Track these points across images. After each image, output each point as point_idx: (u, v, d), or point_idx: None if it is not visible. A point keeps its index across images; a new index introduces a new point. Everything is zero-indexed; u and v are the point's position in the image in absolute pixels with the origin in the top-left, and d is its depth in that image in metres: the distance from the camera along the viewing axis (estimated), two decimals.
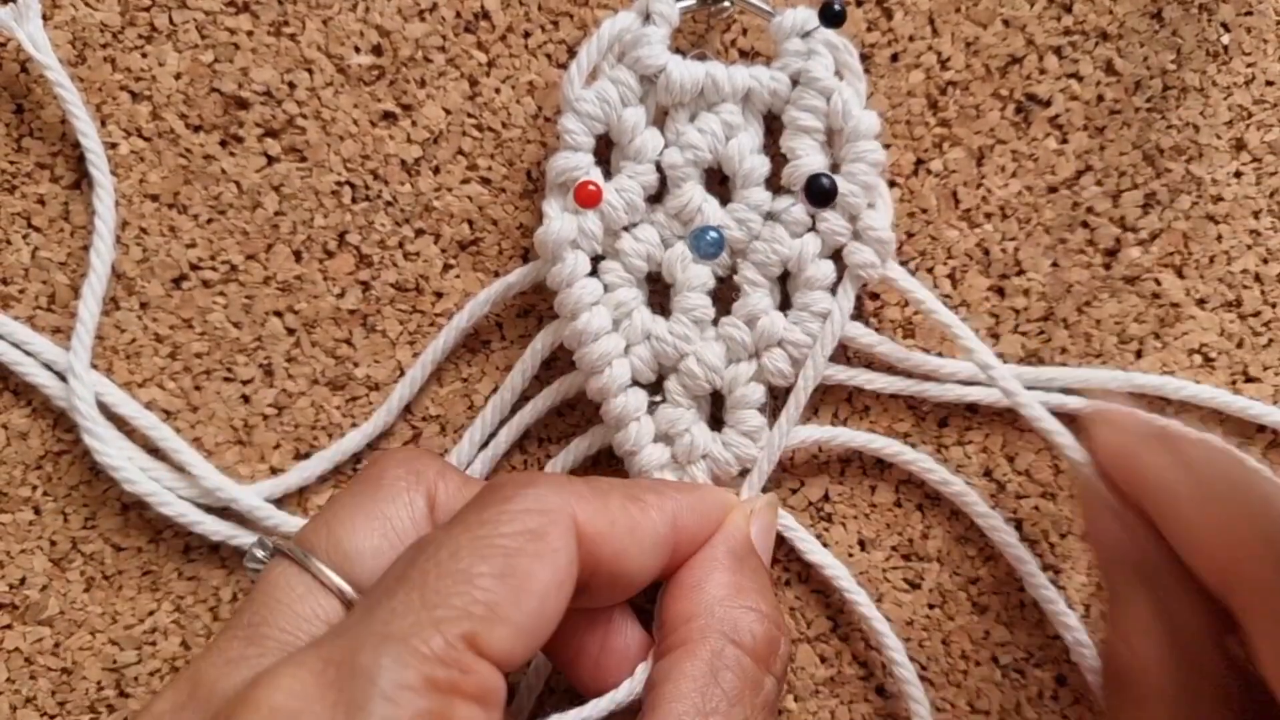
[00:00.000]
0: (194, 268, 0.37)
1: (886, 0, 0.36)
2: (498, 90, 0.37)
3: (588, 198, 0.34)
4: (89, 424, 0.35)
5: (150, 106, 0.37)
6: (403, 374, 0.37)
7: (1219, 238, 0.36)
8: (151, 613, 0.37)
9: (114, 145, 0.37)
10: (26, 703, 0.36)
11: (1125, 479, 0.30)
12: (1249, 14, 0.36)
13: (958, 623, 0.36)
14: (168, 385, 0.37)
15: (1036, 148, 0.36)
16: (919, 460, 0.35)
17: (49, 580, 0.37)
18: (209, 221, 0.37)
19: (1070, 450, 0.33)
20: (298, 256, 0.37)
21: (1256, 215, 0.36)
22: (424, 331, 0.37)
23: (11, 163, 0.37)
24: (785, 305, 0.35)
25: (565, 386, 0.36)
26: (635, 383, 0.34)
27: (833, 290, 0.34)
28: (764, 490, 0.35)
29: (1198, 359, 0.36)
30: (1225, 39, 0.36)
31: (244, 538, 0.36)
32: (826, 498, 0.36)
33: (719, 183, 0.36)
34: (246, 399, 0.37)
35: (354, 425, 0.37)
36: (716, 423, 0.35)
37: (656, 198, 0.35)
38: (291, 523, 0.36)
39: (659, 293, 0.36)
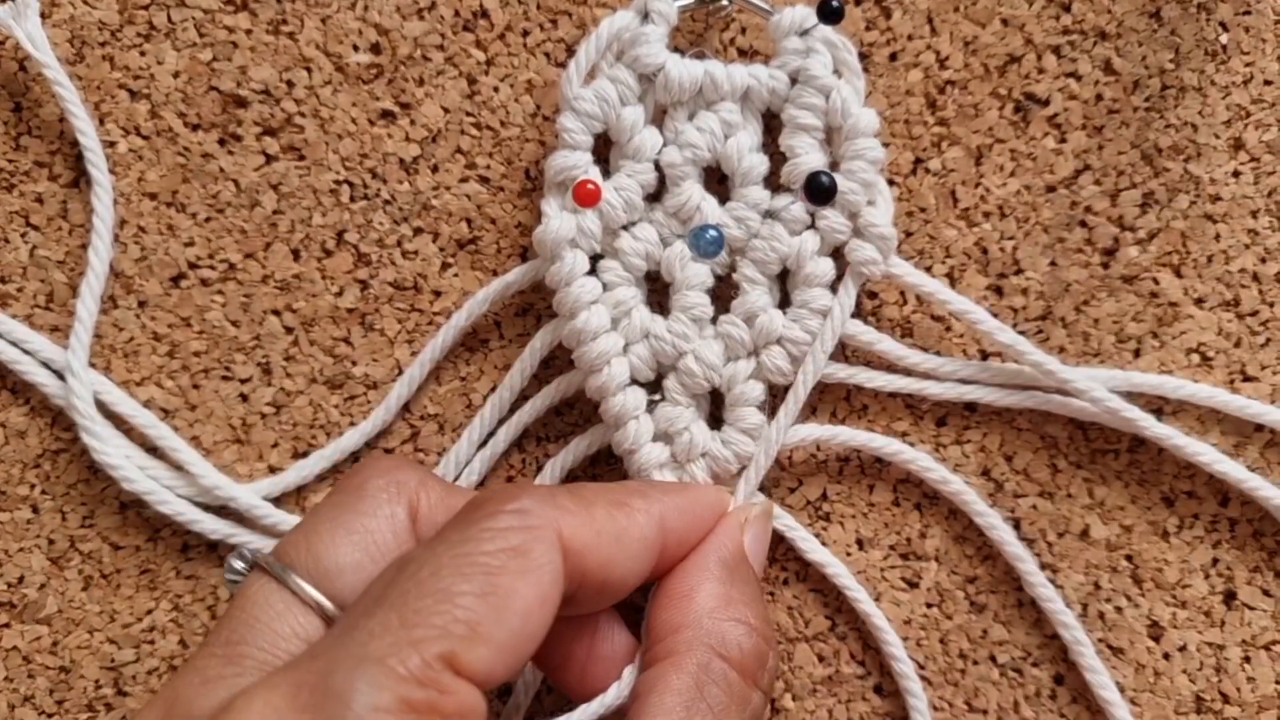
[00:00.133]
0: (192, 266, 0.37)
1: None
2: (496, 89, 0.37)
3: (586, 196, 0.34)
4: (87, 422, 0.35)
5: (149, 105, 0.37)
6: (401, 373, 0.37)
7: (1217, 237, 0.36)
8: (150, 611, 0.37)
9: (112, 144, 0.37)
10: (25, 701, 0.36)
11: None
12: (1247, 13, 0.36)
13: (955, 621, 0.36)
14: (166, 384, 0.37)
15: (1035, 147, 0.36)
16: (917, 459, 0.35)
17: (47, 579, 0.37)
18: (207, 220, 0.37)
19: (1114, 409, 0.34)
20: (296, 255, 0.37)
21: (1254, 215, 0.36)
22: (422, 330, 0.37)
23: (10, 161, 0.37)
24: (785, 304, 0.35)
25: (564, 385, 0.36)
26: (634, 381, 0.34)
27: (832, 288, 0.34)
28: (761, 489, 0.35)
29: (1195, 358, 0.36)
30: (1223, 38, 0.36)
31: (242, 536, 0.36)
32: (825, 497, 0.36)
33: (718, 181, 0.36)
34: (245, 397, 0.37)
35: (352, 424, 0.37)
36: (716, 421, 0.35)
37: (655, 196, 0.35)
38: (289, 521, 0.36)
39: (658, 291, 0.36)
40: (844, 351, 0.36)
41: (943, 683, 0.36)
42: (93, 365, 0.36)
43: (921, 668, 0.36)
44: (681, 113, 0.35)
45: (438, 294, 0.37)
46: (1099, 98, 0.36)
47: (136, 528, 0.37)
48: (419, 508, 0.29)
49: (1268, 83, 0.36)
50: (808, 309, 0.34)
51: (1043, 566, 0.35)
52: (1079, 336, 0.36)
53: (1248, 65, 0.36)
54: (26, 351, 0.36)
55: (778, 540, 0.36)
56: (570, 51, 0.37)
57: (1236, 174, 0.36)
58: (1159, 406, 0.36)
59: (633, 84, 0.34)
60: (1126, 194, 0.36)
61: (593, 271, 0.34)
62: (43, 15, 0.36)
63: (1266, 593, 0.35)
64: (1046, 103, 0.36)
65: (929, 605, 0.36)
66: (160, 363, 0.37)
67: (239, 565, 0.29)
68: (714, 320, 0.35)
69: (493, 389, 0.37)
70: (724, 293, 0.35)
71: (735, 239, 0.34)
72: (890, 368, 0.36)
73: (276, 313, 0.37)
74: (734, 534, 0.32)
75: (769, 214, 0.34)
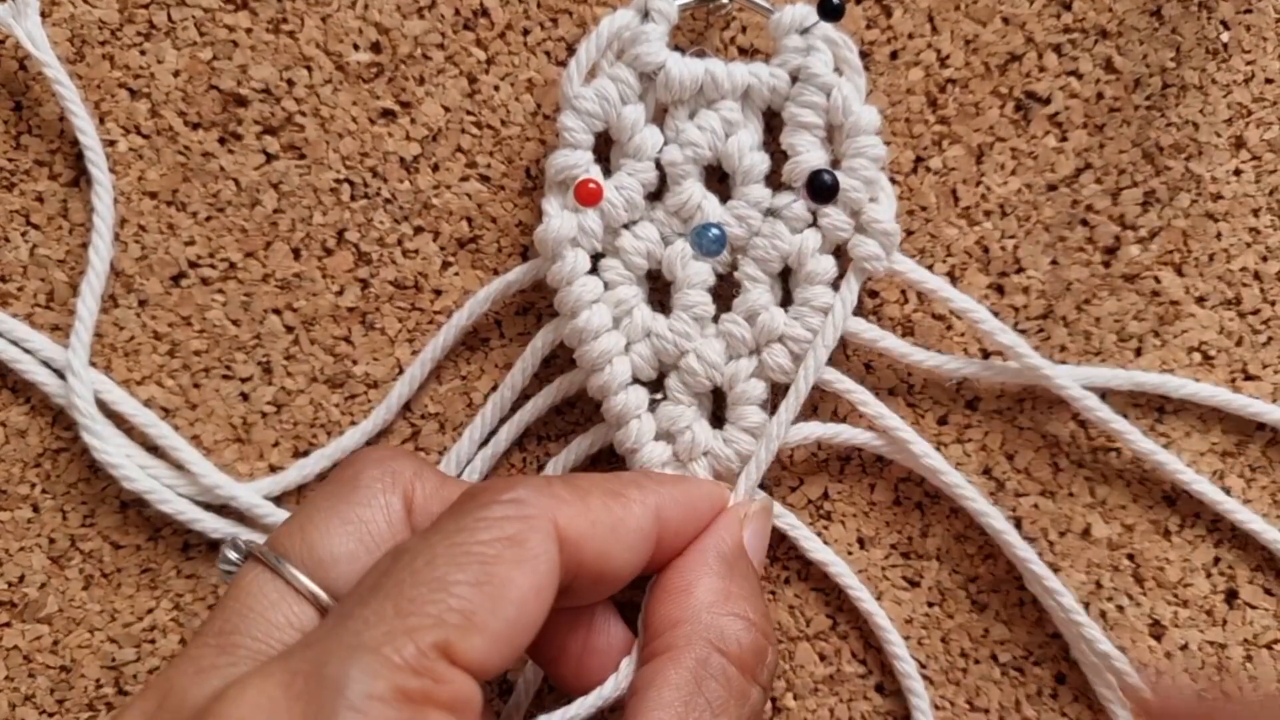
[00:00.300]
0: (193, 265, 0.37)
1: None
2: (497, 88, 0.37)
3: (588, 196, 0.34)
4: (88, 421, 0.35)
5: (149, 104, 0.37)
6: (402, 372, 0.37)
7: (1218, 235, 0.36)
8: (150, 610, 0.37)
9: (112, 143, 0.37)
10: (25, 700, 0.36)
11: None
12: (1248, 11, 0.36)
13: (957, 620, 0.36)
14: (166, 383, 0.37)
15: (1036, 145, 0.36)
16: (921, 454, 0.34)
17: (48, 578, 0.37)
18: (208, 219, 0.37)
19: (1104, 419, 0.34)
20: (296, 254, 0.37)
21: (1256, 213, 0.36)
22: (423, 329, 0.37)
23: (10, 160, 0.37)
24: (787, 302, 0.35)
25: (565, 384, 0.36)
26: (636, 380, 0.34)
27: (834, 286, 0.34)
28: (762, 487, 0.35)
29: (1197, 357, 0.36)
30: (1225, 37, 0.36)
31: (243, 536, 0.36)
32: (826, 496, 0.36)
33: (719, 180, 0.36)
34: (245, 396, 0.37)
35: (353, 423, 0.37)
36: (718, 420, 0.35)
37: (656, 195, 0.35)
38: None
39: (659, 290, 0.36)
40: (845, 350, 0.36)
41: (944, 682, 0.36)
42: (93, 364, 0.36)
43: (923, 667, 0.36)
44: (682, 111, 0.35)
45: (438, 293, 0.37)
46: (1100, 96, 0.36)
47: (137, 527, 0.37)
48: (414, 498, 0.29)
49: (1269, 81, 0.36)
50: (809, 307, 0.34)
51: None
52: (1080, 335, 0.36)
53: (1249, 64, 0.36)
54: (27, 350, 0.36)
55: (779, 539, 0.36)
56: (571, 50, 0.37)
57: (1238, 172, 0.36)
58: (1160, 405, 0.36)
59: (633, 83, 0.34)
60: (1128, 193, 0.36)
61: (594, 270, 0.34)
62: (43, 14, 0.36)
63: (1268, 591, 0.35)
64: (1047, 101, 0.36)
65: (930, 604, 0.36)
66: (161, 362, 0.37)
67: (233, 555, 0.29)
68: (715, 319, 0.35)
69: (494, 388, 0.37)
70: (725, 291, 0.35)
71: (736, 237, 0.34)
72: (891, 366, 0.36)
73: (277, 312, 0.37)
74: (733, 529, 0.32)
75: (770, 212, 0.34)
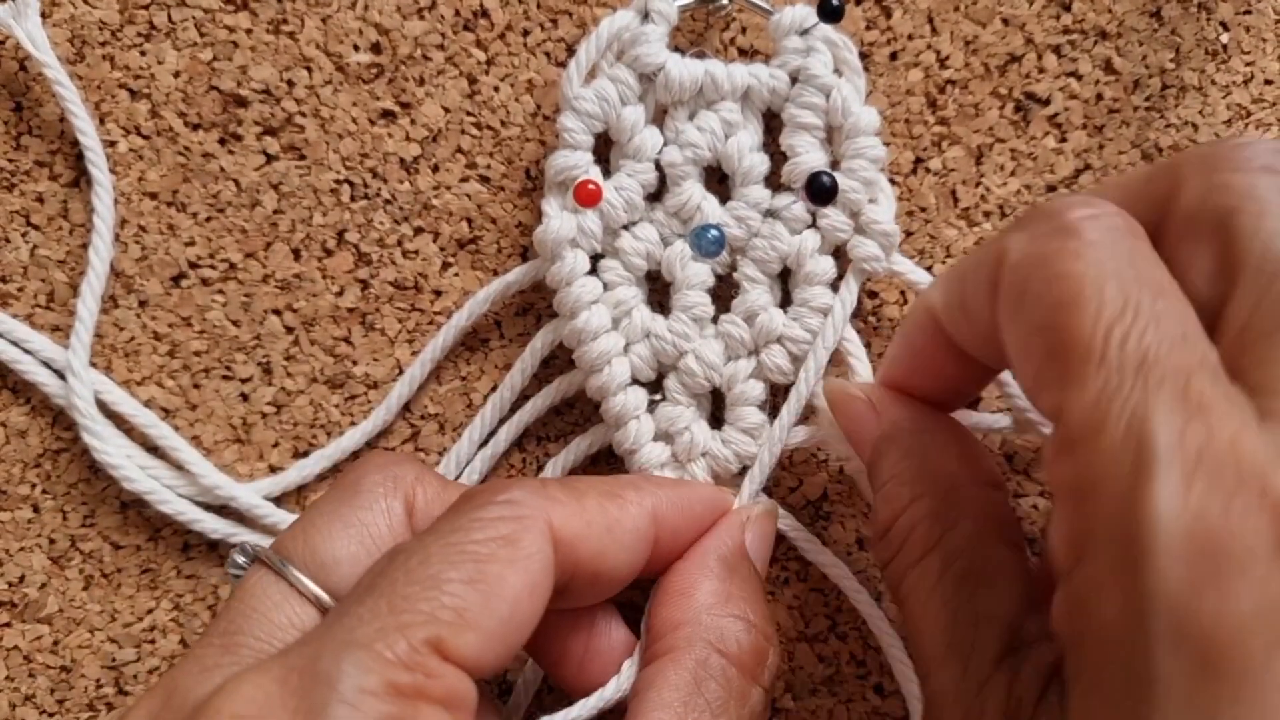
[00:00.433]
0: (193, 266, 0.37)
1: None
2: (496, 88, 0.37)
3: (587, 197, 0.34)
4: (88, 422, 0.35)
5: (149, 104, 0.37)
6: (401, 372, 0.37)
7: None
8: (150, 611, 0.37)
9: (113, 143, 0.37)
10: (26, 700, 0.36)
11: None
12: (1248, 13, 0.36)
13: None
14: (166, 383, 0.37)
15: (1035, 146, 0.36)
16: None
17: (48, 578, 0.37)
18: (208, 220, 0.37)
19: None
20: (296, 255, 0.37)
21: None
22: (423, 330, 0.37)
23: (10, 161, 0.37)
24: (786, 303, 0.35)
25: (565, 385, 0.36)
26: (635, 381, 0.34)
27: (833, 287, 0.34)
28: (765, 490, 0.35)
29: None
30: (1224, 38, 0.36)
31: (243, 535, 0.36)
32: (825, 497, 0.36)
33: (718, 181, 0.36)
34: (245, 397, 0.37)
35: (353, 423, 0.37)
36: (717, 421, 0.35)
37: (655, 196, 0.35)
38: (290, 520, 0.36)
39: (658, 291, 0.36)
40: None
41: None
42: (93, 365, 0.36)
43: None
44: (682, 112, 0.35)
45: (438, 293, 0.37)
46: (1099, 97, 0.36)
47: (137, 527, 0.37)
48: (415, 502, 0.30)
49: (1268, 82, 0.36)
50: (808, 307, 0.34)
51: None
52: None
53: (1248, 65, 0.36)
54: (27, 351, 0.36)
55: (778, 540, 0.36)
56: (570, 51, 0.37)
57: None
58: None
59: (633, 83, 0.34)
60: None
61: (593, 271, 0.34)
62: (43, 15, 0.36)
63: None
64: (1047, 102, 0.36)
65: None
66: (161, 362, 0.37)
67: (240, 560, 0.29)
68: (714, 320, 0.35)
69: (493, 388, 0.37)
70: (724, 292, 0.35)
71: (736, 238, 0.34)
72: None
73: (277, 312, 0.37)
74: (735, 532, 0.32)
75: (769, 213, 0.34)
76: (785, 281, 0.35)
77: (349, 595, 0.26)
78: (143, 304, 0.37)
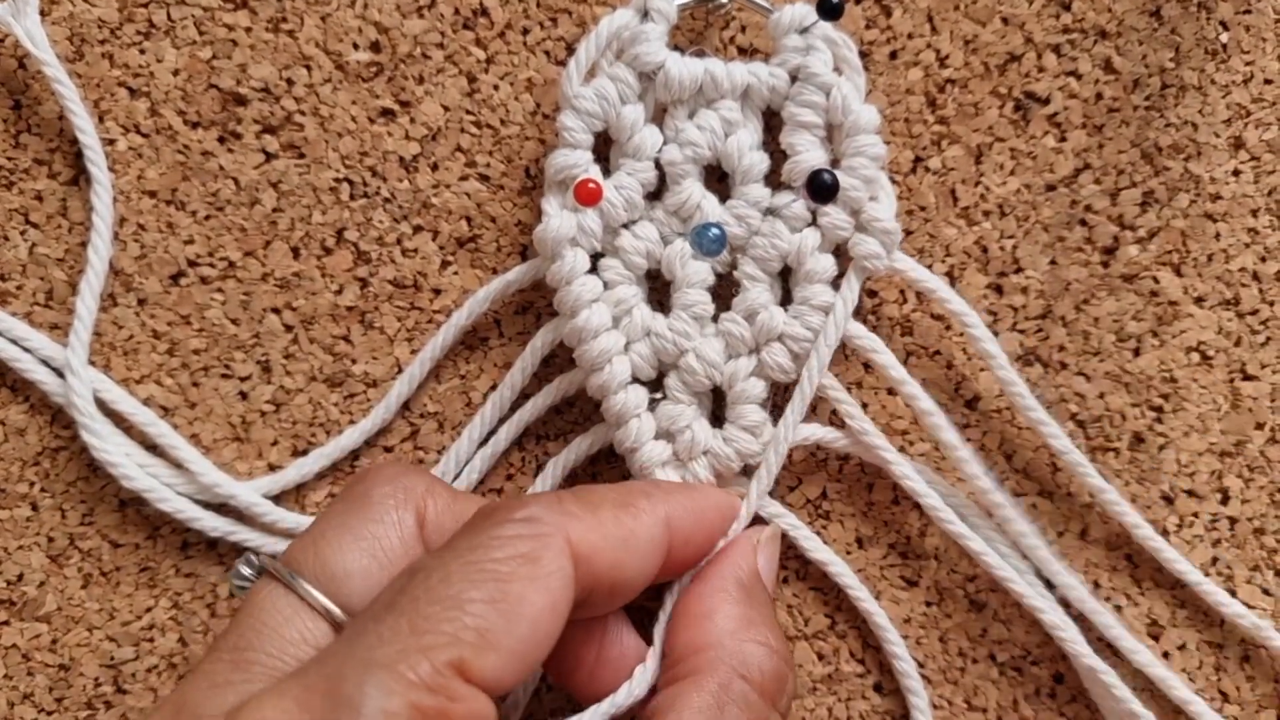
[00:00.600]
0: (192, 264, 0.37)
1: None
2: (496, 87, 0.37)
3: (588, 196, 0.34)
4: (87, 420, 0.35)
5: (148, 103, 0.37)
6: (401, 371, 0.37)
7: (1217, 236, 0.36)
8: (149, 609, 0.37)
9: (112, 141, 0.37)
10: (24, 699, 0.36)
11: None
12: (1247, 12, 0.36)
13: (955, 620, 0.36)
14: (165, 381, 0.37)
15: (1035, 146, 0.36)
16: (906, 476, 0.34)
17: (46, 576, 0.37)
18: (207, 218, 0.37)
19: (1065, 450, 0.34)
20: (296, 253, 0.37)
21: (1254, 214, 0.36)
22: (422, 328, 0.37)
23: (9, 159, 0.37)
24: (787, 301, 0.35)
25: (565, 384, 0.36)
26: (635, 379, 0.34)
27: (834, 285, 0.34)
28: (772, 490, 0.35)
29: (1195, 357, 0.36)
30: (1224, 37, 0.36)
31: (242, 534, 0.36)
32: (824, 495, 0.36)
33: (718, 179, 0.36)
34: (244, 395, 0.37)
35: (352, 422, 0.37)
36: (719, 420, 0.35)
37: (655, 195, 0.35)
38: (289, 519, 0.36)
39: (658, 290, 0.36)
40: (844, 350, 0.36)
41: (942, 681, 0.36)
42: (92, 363, 0.36)
43: (921, 666, 0.36)
44: (682, 111, 0.35)
45: (437, 292, 0.37)
46: (1099, 96, 0.36)
47: (136, 525, 0.37)
48: (426, 514, 0.29)
49: (1268, 81, 0.36)
50: (809, 305, 0.34)
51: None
52: (1079, 335, 0.36)
53: (1248, 64, 0.36)
54: (26, 349, 0.36)
55: None
56: (570, 50, 0.37)
57: (1236, 173, 0.36)
58: (1159, 405, 0.36)
59: (633, 82, 0.34)
60: (1126, 193, 0.36)
61: (593, 270, 0.34)
62: (42, 13, 0.36)
63: (1266, 591, 0.35)
64: (1046, 101, 0.36)
65: (928, 604, 0.36)
66: (160, 360, 0.37)
67: (246, 571, 0.29)
68: (715, 318, 0.35)
69: (493, 387, 0.37)
70: (725, 291, 0.35)
71: (736, 237, 0.34)
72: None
73: (276, 310, 0.37)
74: (748, 555, 0.32)
75: (770, 211, 0.34)
76: (786, 280, 0.35)
77: (366, 612, 0.26)
78: (142, 302, 0.37)
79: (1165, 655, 0.35)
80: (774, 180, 0.35)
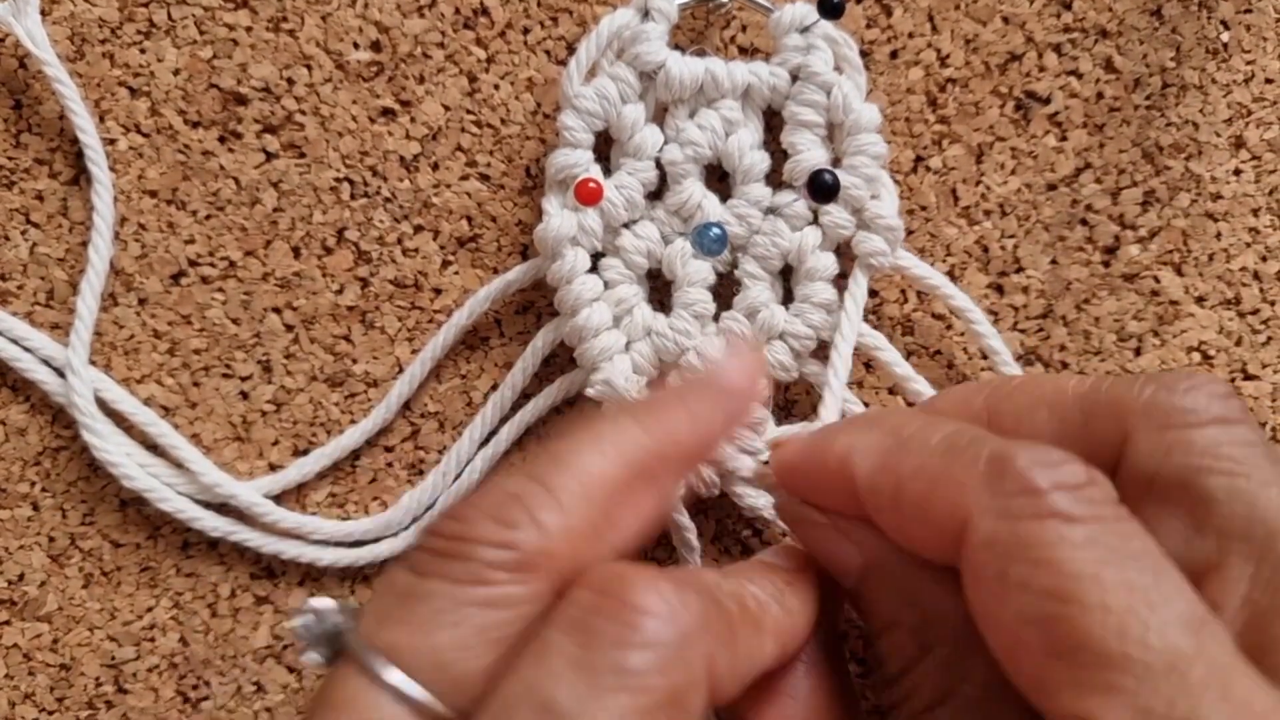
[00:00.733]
0: (192, 264, 0.37)
1: None
2: (497, 86, 0.37)
3: (588, 195, 0.34)
4: (87, 420, 0.35)
5: (149, 102, 0.37)
6: (402, 371, 0.37)
7: (1218, 235, 0.36)
8: (150, 609, 0.37)
9: (112, 141, 0.37)
10: (25, 699, 0.36)
11: (810, 483, 0.27)
12: (1248, 11, 0.36)
13: None
14: (166, 381, 0.37)
15: (1036, 145, 0.36)
16: None
17: (47, 576, 0.37)
18: (207, 218, 0.37)
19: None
20: (296, 253, 0.37)
21: (1255, 213, 0.36)
22: (423, 328, 0.37)
23: (10, 158, 0.37)
24: (789, 300, 0.35)
25: (566, 384, 0.36)
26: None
27: (835, 284, 0.34)
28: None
29: (1196, 356, 0.36)
30: (1225, 36, 0.36)
31: (242, 534, 0.36)
32: None
33: (719, 179, 0.36)
34: (245, 395, 0.37)
35: (353, 422, 0.37)
36: None
37: (656, 194, 0.35)
38: (289, 519, 0.36)
39: (659, 289, 0.36)
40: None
41: None
42: (93, 363, 0.36)
43: None
44: (682, 110, 0.35)
45: (438, 292, 0.37)
46: (1100, 96, 0.36)
47: (137, 525, 0.37)
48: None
49: (1269, 81, 0.36)
50: (810, 304, 0.34)
51: None
52: (1080, 335, 0.36)
53: (1249, 63, 0.36)
54: (27, 349, 0.36)
55: (779, 538, 0.36)
56: (571, 49, 0.37)
57: (1237, 172, 0.36)
58: None
59: (633, 82, 0.34)
60: (1127, 192, 0.36)
61: (594, 269, 0.34)
62: (43, 12, 0.36)
63: None
64: (1047, 101, 0.36)
65: None
66: (160, 360, 0.37)
67: (314, 646, 0.23)
68: (716, 317, 0.35)
69: (493, 387, 0.37)
70: (726, 290, 0.35)
71: (737, 236, 0.34)
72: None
73: (277, 310, 0.37)
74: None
75: (770, 210, 0.34)
76: (786, 279, 0.35)
77: None
78: (142, 302, 0.37)
79: None
80: (775, 179, 0.35)
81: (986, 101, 0.36)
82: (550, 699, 0.21)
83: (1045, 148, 0.36)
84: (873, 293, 0.36)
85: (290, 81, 0.37)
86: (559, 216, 0.34)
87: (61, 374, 0.36)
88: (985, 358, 0.36)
